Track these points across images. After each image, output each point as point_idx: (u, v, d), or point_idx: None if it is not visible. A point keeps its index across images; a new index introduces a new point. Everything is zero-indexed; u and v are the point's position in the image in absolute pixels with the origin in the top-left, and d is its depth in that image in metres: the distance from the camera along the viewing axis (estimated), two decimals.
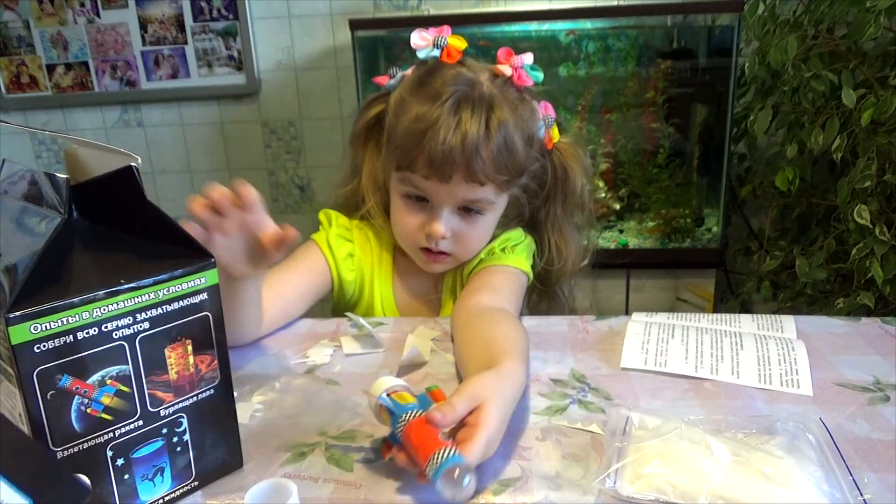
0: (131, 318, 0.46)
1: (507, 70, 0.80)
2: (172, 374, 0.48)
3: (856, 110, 1.23)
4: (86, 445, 0.45)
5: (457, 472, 0.47)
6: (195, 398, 0.50)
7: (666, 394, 0.65)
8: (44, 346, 0.42)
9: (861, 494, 0.48)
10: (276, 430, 0.60)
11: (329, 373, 0.71)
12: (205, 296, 0.49)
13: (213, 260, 0.49)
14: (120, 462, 0.47)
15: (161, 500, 0.50)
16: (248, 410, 0.64)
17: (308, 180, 1.89)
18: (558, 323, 0.82)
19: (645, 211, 1.67)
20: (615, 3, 1.60)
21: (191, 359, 0.49)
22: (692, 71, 1.57)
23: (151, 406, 0.48)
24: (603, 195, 1.63)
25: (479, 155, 0.75)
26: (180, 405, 0.49)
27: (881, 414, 0.60)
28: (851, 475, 0.50)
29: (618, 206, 1.65)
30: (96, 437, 0.45)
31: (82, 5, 1.79)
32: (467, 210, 0.81)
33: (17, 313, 0.40)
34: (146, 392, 0.47)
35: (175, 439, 0.49)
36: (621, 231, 1.64)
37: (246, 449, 0.57)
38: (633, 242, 1.60)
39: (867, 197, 1.23)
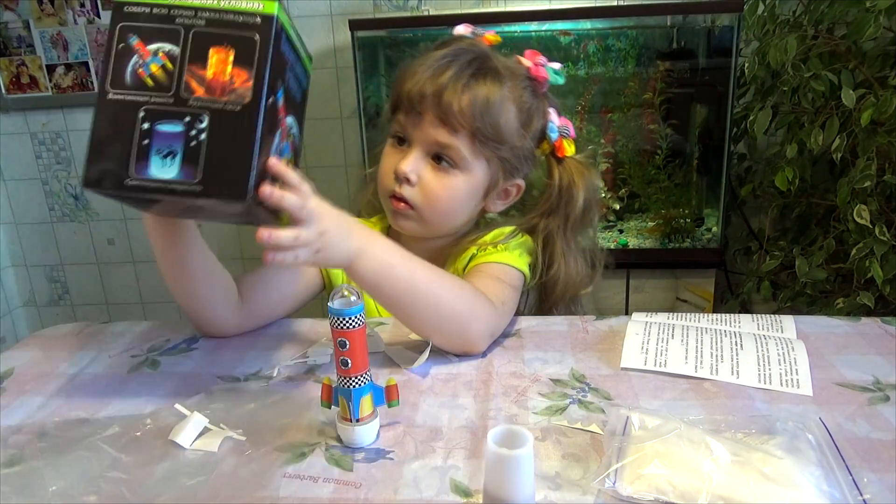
0: (193, 13, 0.57)
1: (527, 62, 0.84)
2: (209, 73, 0.56)
3: (855, 110, 1.23)
4: (129, 97, 0.57)
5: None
6: (222, 105, 0.56)
7: (666, 394, 0.65)
8: (130, 9, 0.57)
9: (861, 494, 0.48)
10: (276, 430, 0.60)
11: (329, 372, 0.71)
12: (258, 20, 0.57)
13: None
14: (146, 126, 0.56)
15: (165, 186, 0.56)
16: (248, 410, 0.64)
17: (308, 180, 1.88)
18: (558, 323, 0.82)
19: (645, 211, 1.67)
20: (615, 3, 1.60)
21: (229, 67, 0.57)
22: (692, 71, 1.57)
23: (184, 92, 0.56)
24: (603, 195, 1.63)
25: (453, 97, 0.77)
26: (207, 103, 0.56)
27: (881, 414, 0.60)
28: (851, 475, 0.50)
29: (618, 206, 1.64)
30: (137, 95, 0.57)
31: (82, 5, 1.78)
32: (439, 159, 0.81)
33: None
34: (184, 77, 0.56)
35: (193, 132, 0.56)
36: (621, 231, 1.64)
37: (246, 448, 0.57)
38: (633, 242, 1.60)
39: (867, 197, 1.23)
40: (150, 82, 0.57)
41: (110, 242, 1.99)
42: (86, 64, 1.83)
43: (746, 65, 1.40)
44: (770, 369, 0.67)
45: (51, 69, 1.84)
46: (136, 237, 1.96)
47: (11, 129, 1.90)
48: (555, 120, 0.86)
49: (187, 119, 0.56)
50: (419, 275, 0.71)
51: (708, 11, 1.54)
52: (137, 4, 0.58)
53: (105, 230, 1.97)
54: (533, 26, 1.55)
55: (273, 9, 0.57)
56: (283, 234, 0.60)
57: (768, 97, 1.41)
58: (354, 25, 1.53)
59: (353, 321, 0.55)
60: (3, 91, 1.85)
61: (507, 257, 0.83)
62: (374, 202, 0.93)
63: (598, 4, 1.60)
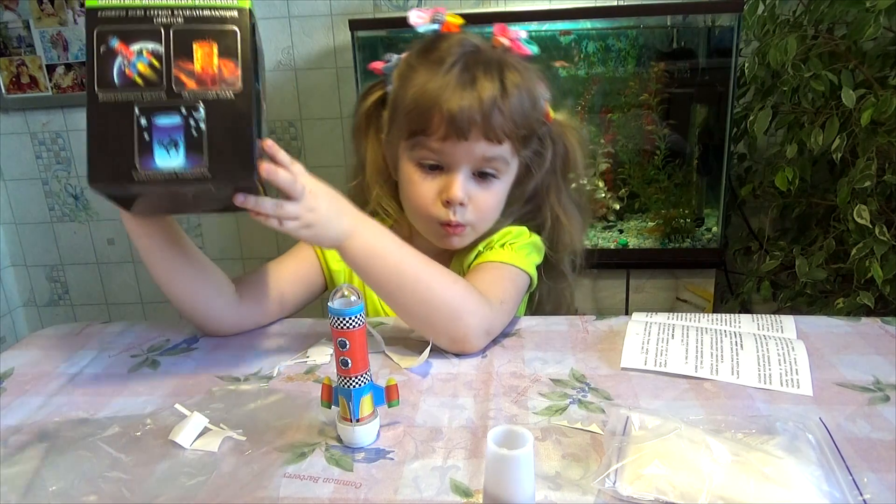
0: (170, 12, 0.60)
1: (505, 41, 0.83)
2: (197, 66, 0.60)
3: (855, 110, 1.23)
4: (121, 97, 0.59)
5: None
6: (215, 95, 0.60)
7: (666, 394, 0.65)
8: (104, 13, 0.59)
9: (861, 494, 0.48)
10: (276, 430, 0.60)
11: (329, 372, 0.71)
12: (235, 13, 0.60)
13: None
14: (143, 121, 0.59)
15: (174, 175, 0.59)
16: (248, 410, 0.64)
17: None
18: (558, 323, 0.82)
19: (645, 211, 1.67)
20: (615, 3, 1.60)
21: (215, 59, 0.60)
22: (692, 71, 1.57)
23: (175, 86, 0.60)
24: (603, 195, 1.63)
25: (498, 112, 0.77)
26: (200, 94, 0.60)
27: (881, 414, 0.60)
28: (851, 475, 0.50)
29: (618, 206, 1.64)
30: (129, 93, 0.59)
31: (82, 5, 1.78)
32: (483, 175, 0.81)
33: None
34: (173, 72, 0.60)
35: (192, 122, 0.59)
36: (621, 231, 1.64)
37: (246, 448, 0.57)
38: (633, 242, 1.60)
39: (867, 197, 1.23)
40: (139, 81, 0.59)
41: (110, 242, 1.99)
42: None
43: (746, 65, 1.40)
44: (770, 369, 0.67)
45: (51, 69, 1.84)
46: None
47: (11, 129, 1.90)
48: (543, 91, 0.86)
49: (183, 111, 0.59)
50: (410, 262, 0.71)
51: (708, 11, 1.54)
52: (112, 8, 0.59)
53: (105, 230, 1.97)
54: (533, 26, 1.55)
55: (247, 2, 0.60)
56: (266, 202, 0.62)
57: (768, 97, 1.41)
58: (354, 25, 1.53)
59: (353, 321, 0.55)
60: (3, 91, 1.85)
61: (512, 257, 0.82)
62: (359, 195, 0.91)
63: (598, 4, 1.60)
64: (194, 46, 0.60)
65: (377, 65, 0.86)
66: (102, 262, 2.01)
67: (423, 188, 0.81)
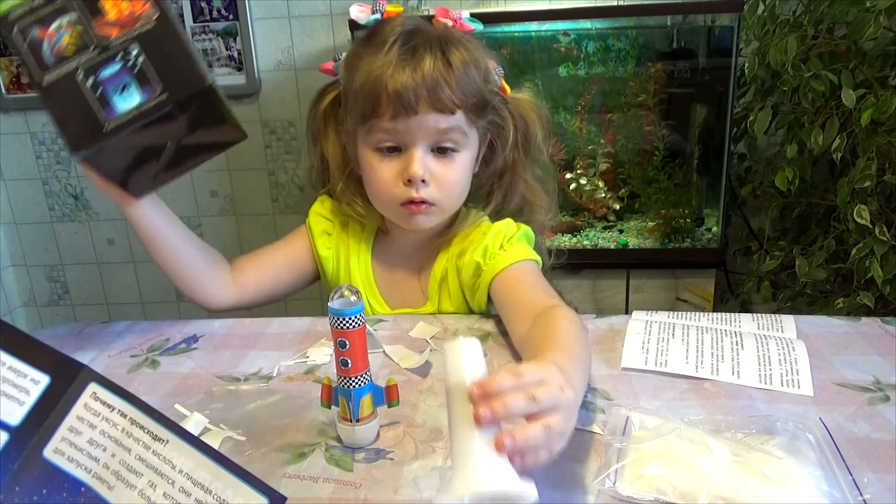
0: None
1: (447, 22, 0.84)
2: (112, 16, 0.67)
3: (855, 110, 1.23)
4: (63, 70, 0.66)
5: None
6: (139, 31, 0.66)
7: (666, 394, 0.65)
8: (13, 14, 0.67)
9: (861, 494, 0.48)
10: (276, 430, 0.60)
11: (329, 372, 0.71)
12: None
13: None
14: (90, 81, 0.66)
15: (138, 111, 0.65)
16: (247, 410, 0.64)
17: None
18: None
19: (645, 211, 1.67)
20: (615, 3, 1.60)
21: (124, 4, 0.67)
22: (692, 71, 1.57)
23: (101, 40, 0.66)
24: (603, 195, 1.63)
25: (444, 82, 0.76)
26: (126, 36, 0.66)
27: (881, 414, 0.60)
28: (851, 475, 0.50)
29: (618, 206, 1.64)
30: (66, 63, 0.66)
31: None
32: (442, 151, 0.80)
33: None
34: (94, 31, 0.66)
35: (131, 63, 0.66)
36: (621, 231, 1.64)
37: (246, 448, 0.57)
38: (633, 242, 1.60)
39: (867, 197, 1.23)
40: (70, 51, 0.66)
41: (110, 242, 1.99)
42: None
43: (746, 65, 1.40)
44: (771, 369, 0.67)
45: None
46: (137, 237, 1.96)
47: (11, 129, 1.90)
48: (492, 60, 0.85)
49: (119, 56, 0.66)
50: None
51: (708, 11, 1.54)
52: (17, 7, 0.67)
53: (105, 230, 1.97)
54: (533, 26, 1.55)
55: None
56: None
57: (768, 97, 1.41)
58: (354, 25, 1.53)
59: (353, 321, 0.55)
60: (3, 91, 1.85)
61: (520, 253, 0.82)
62: (347, 213, 0.91)
63: (598, 4, 1.60)
64: (101, 3, 0.67)
65: (328, 65, 0.87)
66: (102, 262, 2.01)
67: (383, 171, 0.80)
